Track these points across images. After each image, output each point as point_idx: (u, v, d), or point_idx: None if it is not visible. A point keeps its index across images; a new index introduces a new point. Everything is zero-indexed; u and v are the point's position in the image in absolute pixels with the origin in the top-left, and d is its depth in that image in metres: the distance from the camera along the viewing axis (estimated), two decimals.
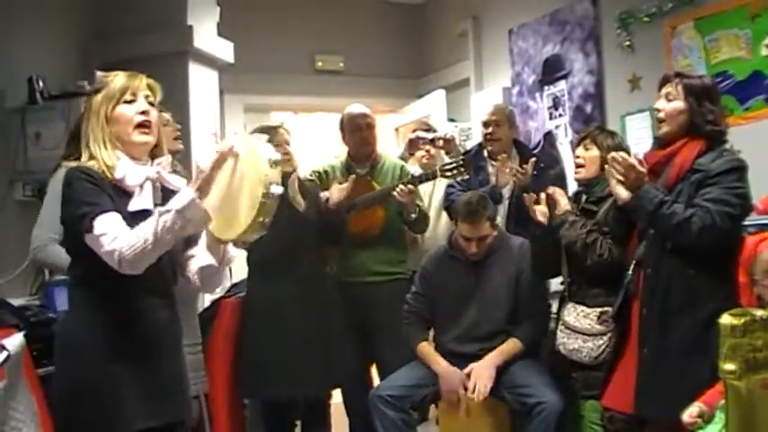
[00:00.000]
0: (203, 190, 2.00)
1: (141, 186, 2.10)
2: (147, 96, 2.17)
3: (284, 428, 3.70)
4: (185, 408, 2.26)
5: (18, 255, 3.31)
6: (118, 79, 2.15)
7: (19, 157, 3.88)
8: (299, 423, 3.81)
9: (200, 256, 2.20)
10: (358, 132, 4.00)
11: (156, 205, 2.07)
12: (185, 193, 1.99)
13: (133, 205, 2.08)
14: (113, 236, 1.96)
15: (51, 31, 4.32)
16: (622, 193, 2.69)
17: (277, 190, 1.99)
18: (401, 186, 3.71)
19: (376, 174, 3.99)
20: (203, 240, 2.21)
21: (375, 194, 3.87)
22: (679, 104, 2.68)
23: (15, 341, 2.83)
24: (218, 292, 4.23)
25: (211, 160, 2.02)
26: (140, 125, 2.13)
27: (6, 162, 3.92)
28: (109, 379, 2.02)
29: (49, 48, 4.13)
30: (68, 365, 2.09)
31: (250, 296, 3.59)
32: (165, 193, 2.12)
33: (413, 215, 3.80)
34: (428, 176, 3.84)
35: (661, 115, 2.72)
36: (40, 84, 3.93)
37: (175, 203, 1.97)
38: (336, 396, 3.96)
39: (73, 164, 2.10)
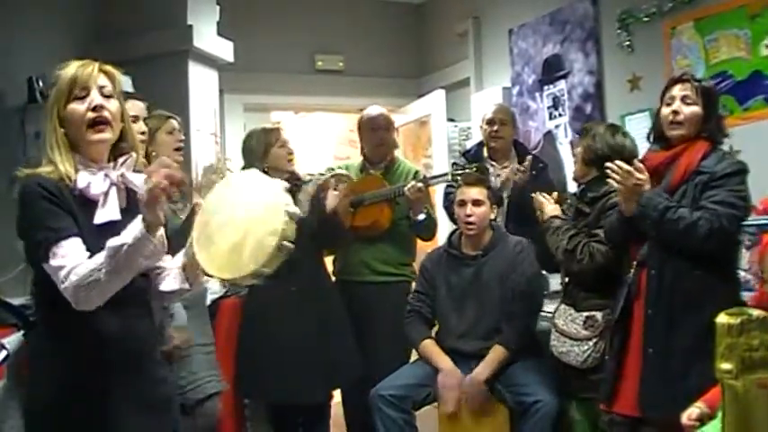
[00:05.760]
0: (153, 224, 1.77)
1: (106, 194, 1.90)
2: (102, 87, 1.93)
3: (289, 429, 3.69)
4: (173, 420, 2.09)
5: (17, 253, 3.30)
6: (67, 71, 1.92)
7: (19, 156, 3.88)
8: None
9: (170, 278, 2.02)
10: (378, 132, 4.01)
11: (121, 211, 1.91)
12: (136, 225, 1.77)
13: (99, 218, 1.88)
14: (69, 269, 1.77)
15: (51, 30, 4.32)
16: (628, 206, 2.67)
17: (289, 245, 1.88)
18: (411, 183, 3.72)
19: (390, 175, 4.01)
20: (178, 257, 2.03)
21: (385, 191, 3.88)
22: (697, 109, 2.67)
23: (14, 340, 2.83)
24: (218, 292, 4.24)
25: (146, 192, 1.76)
26: (94, 123, 1.89)
27: (6, 161, 3.92)
28: (102, 394, 1.87)
29: (48, 48, 4.12)
30: (48, 384, 1.87)
31: (251, 299, 3.57)
32: (130, 195, 1.95)
33: (420, 216, 3.79)
34: (440, 178, 3.84)
35: (680, 118, 2.68)
36: (40, 83, 3.92)
37: (127, 237, 1.76)
38: (336, 396, 3.96)
39: (26, 171, 1.88)
